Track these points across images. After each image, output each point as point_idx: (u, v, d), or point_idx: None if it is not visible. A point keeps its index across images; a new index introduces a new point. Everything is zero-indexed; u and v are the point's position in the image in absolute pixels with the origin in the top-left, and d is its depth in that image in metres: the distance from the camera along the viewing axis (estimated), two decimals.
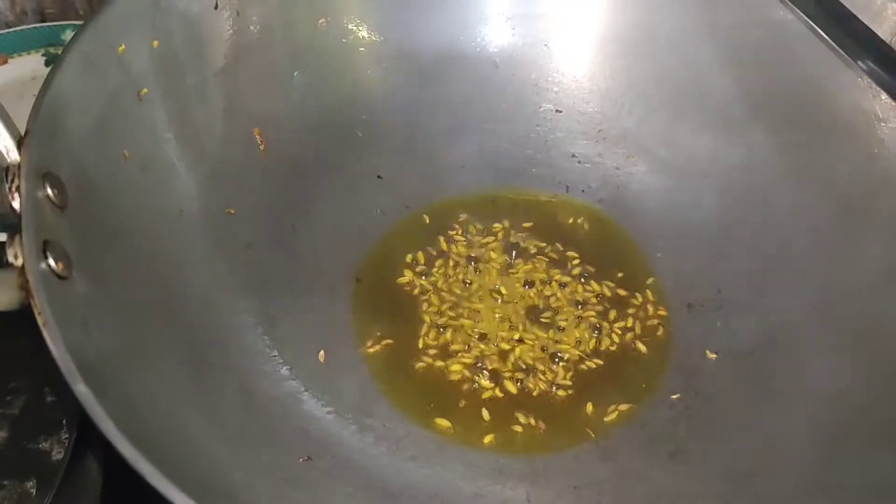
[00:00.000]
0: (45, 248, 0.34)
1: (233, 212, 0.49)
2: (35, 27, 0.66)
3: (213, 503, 0.30)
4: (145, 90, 0.45)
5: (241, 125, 0.51)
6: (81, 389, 0.30)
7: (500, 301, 0.51)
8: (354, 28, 0.55)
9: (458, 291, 0.52)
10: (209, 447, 0.38)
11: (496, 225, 0.55)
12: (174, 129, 0.47)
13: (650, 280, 0.53)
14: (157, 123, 0.46)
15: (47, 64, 0.65)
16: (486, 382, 0.48)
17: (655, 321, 0.51)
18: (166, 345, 0.40)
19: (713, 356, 0.49)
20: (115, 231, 0.41)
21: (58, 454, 0.44)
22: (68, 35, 0.65)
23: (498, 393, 0.48)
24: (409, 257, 0.53)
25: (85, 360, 0.32)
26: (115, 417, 0.30)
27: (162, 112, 0.46)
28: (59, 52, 0.64)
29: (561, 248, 0.54)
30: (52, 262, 0.34)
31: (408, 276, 0.52)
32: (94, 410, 0.30)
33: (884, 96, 0.50)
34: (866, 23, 0.49)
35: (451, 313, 0.51)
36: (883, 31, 0.50)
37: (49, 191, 0.36)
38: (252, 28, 0.51)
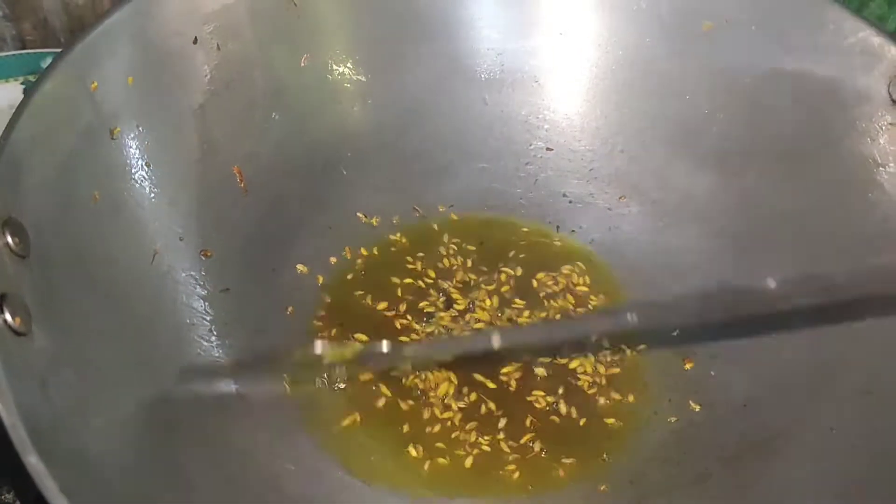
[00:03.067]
0: (1, 303, 0.32)
1: (210, 254, 0.47)
2: (14, 55, 0.64)
3: None
4: (118, 128, 0.44)
5: (219, 164, 0.49)
6: (33, 461, 0.28)
7: (492, 359, 0.49)
8: (338, 66, 0.53)
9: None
10: None
11: (482, 281, 0.53)
12: (149, 169, 0.45)
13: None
14: (131, 163, 0.45)
15: (26, 92, 0.63)
16: (471, 436, 0.46)
17: (646, 370, 0.49)
18: (132, 400, 0.38)
19: (697, 407, 0.47)
20: (82, 279, 0.39)
21: None
22: (48, 63, 0.63)
23: (481, 451, 0.46)
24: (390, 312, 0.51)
25: (40, 427, 0.29)
26: (69, 492, 0.27)
27: (136, 151, 0.45)
28: None
29: (550, 294, 0.52)
30: (8, 316, 0.32)
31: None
32: (46, 484, 0.27)
33: (882, 140, 0.49)
34: (864, 62, 0.48)
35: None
36: (881, 70, 0.49)
37: (9, 239, 0.34)
38: (232, 64, 0.49)
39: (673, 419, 0.47)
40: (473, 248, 0.54)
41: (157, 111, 0.46)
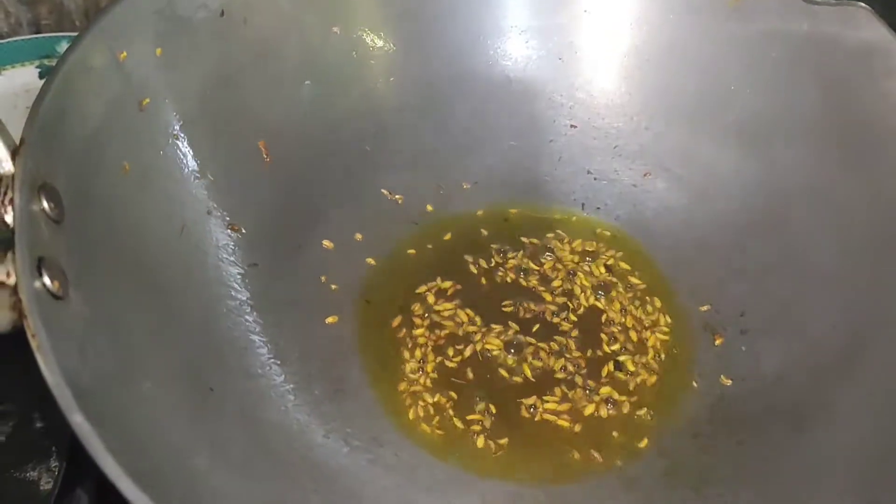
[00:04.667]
0: (39, 266, 0.32)
1: (237, 228, 0.47)
2: (30, 38, 0.64)
3: None
4: (147, 100, 0.43)
5: (246, 137, 0.49)
6: (78, 420, 0.27)
7: (514, 331, 0.49)
8: (366, 37, 0.53)
9: (472, 321, 0.49)
10: (212, 480, 0.35)
11: (510, 254, 0.53)
12: (177, 142, 0.45)
13: (670, 303, 0.51)
14: (160, 135, 0.44)
15: (41, 76, 0.63)
16: (495, 408, 0.46)
17: (676, 347, 0.49)
18: (167, 368, 0.38)
19: (730, 382, 0.47)
20: (113, 247, 0.39)
21: (46, 484, 0.41)
22: (63, 47, 0.63)
23: (513, 421, 0.45)
24: (422, 287, 0.51)
25: (82, 388, 0.29)
26: (114, 451, 0.27)
27: (164, 123, 0.44)
28: (54, 64, 0.63)
29: (577, 271, 0.52)
30: (47, 280, 0.32)
31: (417, 307, 0.50)
32: (92, 443, 0.27)
33: None
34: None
35: (462, 344, 0.48)
36: None
37: (45, 204, 0.34)
38: (259, 37, 0.49)
39: (704, 394, 0.47)
40: (499, 223, 0.54)
41: (185, 83, 0.46)
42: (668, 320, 0.50)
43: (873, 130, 0.49)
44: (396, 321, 0.49)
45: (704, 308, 0.51)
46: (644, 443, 0.45)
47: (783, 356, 0.47)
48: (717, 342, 0.49)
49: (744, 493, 0.42)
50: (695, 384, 0.48)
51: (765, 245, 0.52)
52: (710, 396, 0.47)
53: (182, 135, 0.45)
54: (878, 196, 0.48)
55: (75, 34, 0.62)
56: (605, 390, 0.47)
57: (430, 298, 0.50)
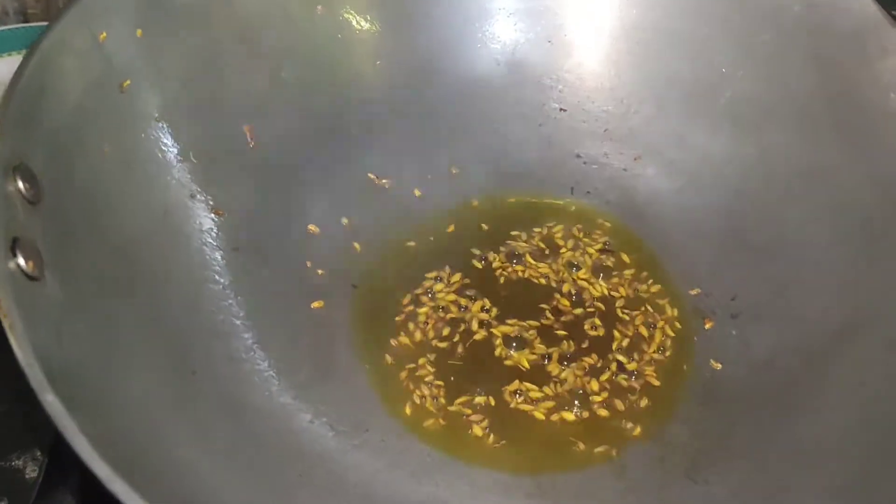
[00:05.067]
0: (13, 246, 0.31)
1: (222, 213, 0.46)
2: (17, 27, 0.63)
3: None
4: (128, 81, 0.43)
5: (229, 121, 0.48)
6: (50, 399, 0.27)
7: (508, 317, 0.48)
8: (352, 20, 0.52)
9: (466, 307, 0.49)
10: (193, 464, 0.35)
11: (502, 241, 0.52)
12: (158, 125, 0.44)
13: (659, 287, 0.50)
14: (141, 117, 0.43)
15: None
16: (491, 398, 0.45)
17: (666, 331, 0.48)
18: (147, 353, 0.37)
19: (720, 366, 0.46)
20: (93, 229, 0.38)
21: (31, 472, 0.41)
22: None
23: (504, 410, 0.45)
24: (412, 272, 0.50)
25: (55, 369, 0.29)
26: (88, 432, 0.27)
27: (146, 105, 0.44)
28: None
29: (566, 255, 0.51)
30: (21, 261, 0.31)
31: (408, 293, 0.49)
32: (64, 424, 0.26)
33: None
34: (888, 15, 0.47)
35: (455, 330, 0.48)
36: None
37: (20, 184, 0.33)
38: (243, 17, 0.48)
39: (694, 379, 0.46)
40: (489, 209, 0.53)
41: (167, 65, 0.45)
42: (660, 305, 0.50)
43: (868, 112, 0.49)
44: (386, 306, 0.48)
45: (695, 292, 0.50)
46: (637, 431, 0.44)
47: (774, 340, 0.47)
48: (708, 326, 0.49)
49: (735, 477, 0.42)
50: (685, 368, 0.47)
51: (758, 229, 0.51)
52: (700, 381, 0.46)
53: (164, 118, 0.44)
54: (873, 178, 0.48)
55: None
56: (597, 379, 0.46)
57: (424, 284, 0.50)
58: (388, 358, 0.46)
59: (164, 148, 0.44)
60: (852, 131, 0.49)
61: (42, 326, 0.30)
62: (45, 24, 0.62)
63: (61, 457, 0.41)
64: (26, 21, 0.65)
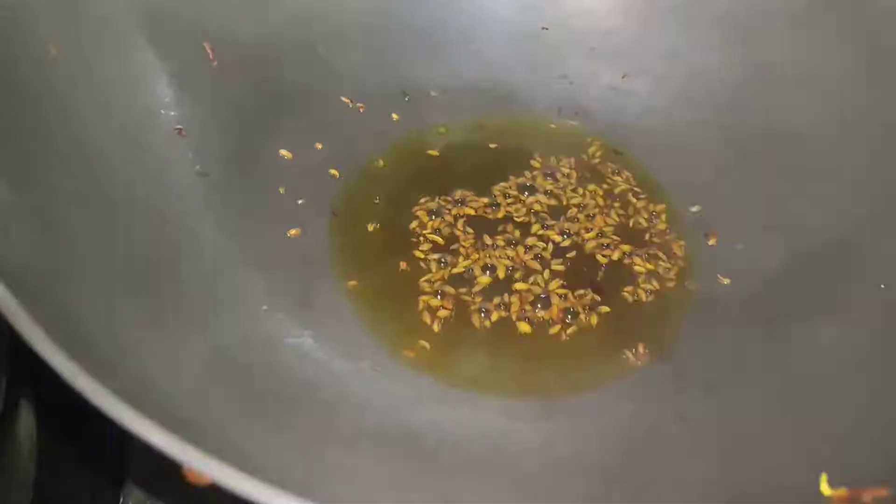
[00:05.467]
0: None
1: (184, 132, 0.42)
2: None
3: (176, 431, 0.22)
4: None
5: (190, 36, 0.44)
6: None
7: (506, 239, 0.45)
8: None
9: (454, 224, 0.45)
10: (164, 383, 0.30)
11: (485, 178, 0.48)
12: (111, 30, 0.40)
13: (661, 206, 0.47)
14: (91, 19, 0.39)
15: None
16: (493, 317, 0.42)
17: (670, 248, 0.45)
18: (109, 268, 0.33)
19: (727, 281, 0.44)
20: (42, 136, 0.34)
21: None
22: None
23: (507, 329, 0.41)
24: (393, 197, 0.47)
25: (6, 268, 0.24)
26: (45, 325, 0.22)
27: (100, 6, 0.39)
28: None
29: (562, 179, 0.48)
30: None
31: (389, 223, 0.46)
32: (16, 316, 0.22)
33: None
34: None
35: (449, 251, 0.44)
36: None
37: None
38: None
39: (702, 295, 0.44)
40: (472, 133, 0.50)
41: None
42: (662, 223, 0.47)
43: (868, 9, 0.46)
44: (367, 235, 0.45)
45: (695, 209, 0.47)
46: (647, 350, 0.41)
47: (782, 251, 0.44)
48: (712, 242, 0.46)
49: (753, 391, 0.39)
50: (693, 286, 0.44)
51: (756, 142, 0.48)
52: (709, 297, 0.44)
53: (117, 23, 0.40)
54: (878, 78, 0.45)
55: None
56: (603, 299, 0.43)
57: (406, 211, 0.46)
58: (374, 286, 0.42)
59: (118, 56, 0.40)
60: (856, 30, 0.47)
61: None
62: None
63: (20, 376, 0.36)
64: None
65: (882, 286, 0.40)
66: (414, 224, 0.45)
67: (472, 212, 0.46)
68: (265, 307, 0.39)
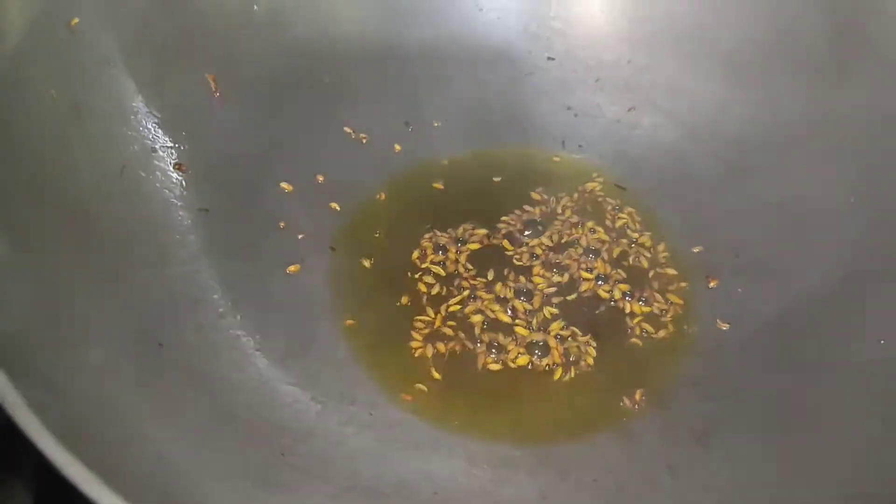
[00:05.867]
0: None
1: (183, 168, 0.42)
2: None
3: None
4: (76, 20, 0.38)
5: (193, 68, 0.44)
6: None
7: (506, 279, 0.45)
8: None
9: (456, 261, 0.45)
10: (160, 441, 0.31)
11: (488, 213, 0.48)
12: (113, 69, 0.40)
13: (661, 245, 0.47)
14: (92, 61, 0.39)
15: None
16: (490, 361, 0.42)
17: (670, 291, 0.45)
18: (106, 321, 0.33)
19: (726, 326, 0.44)
20: (41, 184, 0.34)
21: None
22: None
23: (504, 373, 0.41)
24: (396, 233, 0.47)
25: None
26: (39, 406, 0.22)
27: (97, 47, 0.39)
28: None
29: (563, 216, 0.48)
30: None
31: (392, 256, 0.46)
32: (8, 398, 0.22)
33: None
34: None
35: (450, 288, 0.44)
36: None
37: None
38: None
39: (700, 340, 0.44)
40: (475, 166, 0.49)
41: (122, 3, 0.40)
42: (662, 263, 0.47)
43: (876, 52, 0.45)
44: (368, 271, 0.44)
45: (697, 249, 0.47)
46: (643, 396, 0.41)
47: (781, 297, 0.44)
48: (712, 285, 0.46)
49: (747, 442, 0.39)
50: (691, 330, 0.44)
51: (759, 180, 0.48)
52: (707, 342, 0.43)
53: (119, 61, 0.40)
54: (881, 123, 0.45)
55: None
56: (600, 342, 0.43)
57: (409, 247, 0.46)
58: (373, 326, 0.42)
59: (119, 97, 0.40)
60: (859, 73, 0.46)
61: None
62: None
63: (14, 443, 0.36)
64: None
65: (882, 342, 0.40)
66: (414, 260, 0.45)
67: (474, 247, 0.46)
68: (260, 352, 0.38)
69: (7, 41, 0.34)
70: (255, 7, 0.45)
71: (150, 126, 0.42)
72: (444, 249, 0.46)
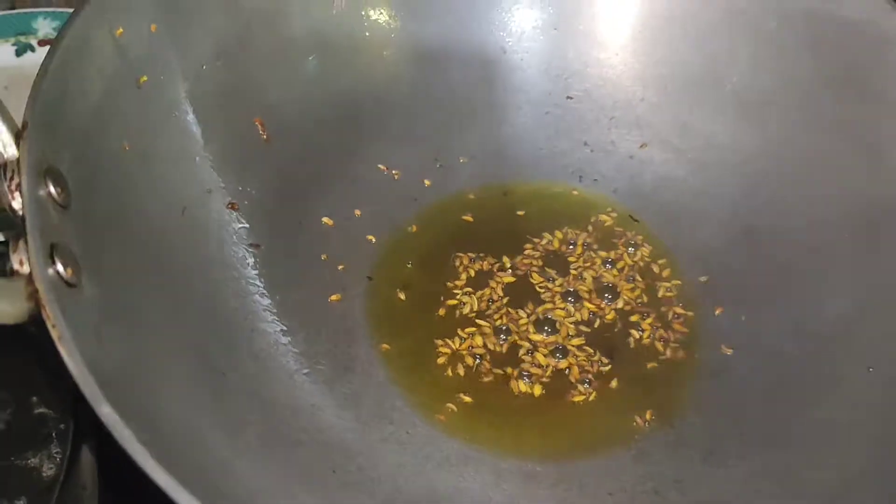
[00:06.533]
0: (52, 253, 0.31)
1: (235, 206, 0.46)
2: (4, 14, 0.62)
3: None
4: (144, 77, 0.42)
5: (244, 114, 0.48)
6: (106, 412, 0.27)
7: (530, 309, 0.49)
8: (365, 12, 0.52)
9: (482, 292, 0.49)
10: (228, 461, 0.35)
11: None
12: (174, 119, 0.44)
13: (670, 274, 0.51)
14: (157, 113, 0.43)
15: (18, 54, 0.61)
16: (515, 385, 0.46)
17: (678, 318, 0.49)
18: (178, 353, 0.37)
19: (730, 351, 0.47)
20: (120, 230, 0.38)
21: (49, 470, 0.41)
22: (40, 23, 0.62)
23: (528, 396, 0.46)
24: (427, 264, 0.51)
25: (105, 377, 0.29)
26: (146, 442, 0.27)
27: (162, 101, 0.43)
28: (31, 41, 0.61)
29: (581, 248, 0.52)
30: (60, 267, 0.31)
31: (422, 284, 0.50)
32: (124, 435, 0.27)
33: None
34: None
35: (478, 317, 0.49)
36: None
37: (52, 188, 0.33)
38: (258, 10, 0.47)
39: (706, 364, 0.47)
40: (498, 199, 0.54)
41: (182, 59, 0.44)
42: (671, 292, 0.50)
43: (871, 98, 0.49)
44: (402, 298, 0.48)
45: (704, 279, 0.51)
46: (653, 417, 0.45)
47: (783, 325, 0.48)
48: (718, 312, 0.49)
49: (751, 463, 0.43)
50: (697, 356, 0.48)
51: (763, 215, 0.52)
52: (713, 366, 0.47)
53: (180, 112, 0.44)
54: (878, 164, 0.48)
55: (52, 10, 0.61)
56: (611, 366, 0.47)
57: (439, 276, 0.50)
58: (409, 349, 0.47)
59: (180, 143, 0.44)
60: (856, 117, 0.50)
61: (85, 334, 0.30)
62: (33, 10, 0.62)
63: (80, 446, 0.41)
64: (13, 8, 0.64)
65: (870, 369, 0.44)
66: (446, 288, 0.49)
67: (508, 280, 0.50)
68: (308, 377, 0.43)
69: (88, 102, 0.38)
70: (305, 62, 0.49)
71: (206, 168, 0.46)
72: (473, 278, 0.50)
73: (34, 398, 0.42)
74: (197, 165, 0.45)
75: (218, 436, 0.35)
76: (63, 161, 0.35)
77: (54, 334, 0.28)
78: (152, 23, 0.43)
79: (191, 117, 0.45)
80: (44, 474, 0.41)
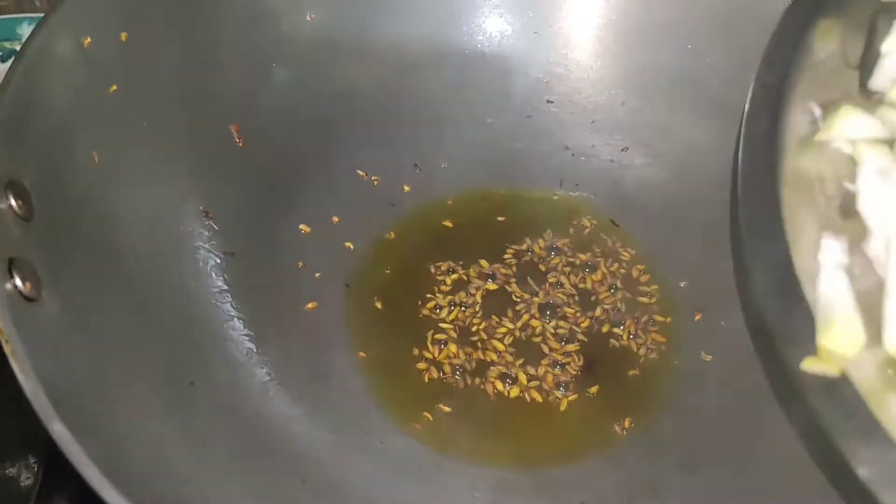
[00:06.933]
0: (10, 267, 0.31)
1: (210, 214, 0.46)
2: None
3: None
4: (114, 87, 0.42)
5: (218, 121, 0.48)
6: (58, 429, 0.27)
7: (509, 316, 0.49)
8: (340, 17, 0.52)
9: (460, 299, 0.49)
10: (194, 477, 0.35)
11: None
12: (146, 128, 0.44)
13: (650, 279, 0.51)
14: (128, 122, 0.43)
15: (2, 60, 0.61)
16: (492, 392, 0.46)
17: (657, 324, 0.49)
18: (145, 365, 0.37)
19: (710, 358, 0.47)
20: (85, 242, 0.38)
21: (27, 480, 0.41)
22: (24, 29, 0.61)
23: (504, 404, 0.45)
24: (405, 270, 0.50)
25: (59, 393, 0.28)
26: (96, 458, 0.26)
27: (133, 110, 0.43)
28: (15, 46, 0.61)
29: (562, 253, 0.52)
30: (18, 282, 0.31)
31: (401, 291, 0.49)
32: (73, 452, 0.26)
33: None
34: None
35: (456, 325, 0.48)
36: None
37: (13, 201, 0.33)
38: (231, 18, 0.47)
39: (685, 370, 0.47)
40: (477, 204, 0.53)
41: (153, 68, 0.44)
42: (650, 297, 0.50)
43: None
44: (379, 306, 0.48)
45: (683, 284, 0.50)
46: (631, 424, 0.44)
47: None
48: (697, 318, 0.49)
49: (729, 472, 0.42)
50: (676, 362, 0.47)
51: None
52: (692, 372, 0.47)
53: (151, 120, 0.44)
54: None
55: (36, 15, 0.61)
56: (589, 372, 0.47)
57: (418, 283, 0.50)
58: (384, 359, 0.46)
59: (150, 151, 0.44)
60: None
61: (43, 350, 0.30)
62: (17, 16, 0.62)
63: (58, 462, 0.40)
64: None
65: None
66: (424, 295, 0.49)
67: (477, 288, 0.50)
68: (281, 385, 0.43)
69: (54, 113, 0.38)
70: (274, 69, 0.49)
71: (180, 176, 0.45)
72: (452, 286, 0.50)
73: (12, 410, 0.42)
74: (170, 173, 0.45)
75: (183, 449, 0.35)
76: (27, 173, 0.35)
77: (7, 350, 0.28)
78: (122, 31, 0.42)
79: (163, 124, 0.44)
80: (21, 484, 0.41)
